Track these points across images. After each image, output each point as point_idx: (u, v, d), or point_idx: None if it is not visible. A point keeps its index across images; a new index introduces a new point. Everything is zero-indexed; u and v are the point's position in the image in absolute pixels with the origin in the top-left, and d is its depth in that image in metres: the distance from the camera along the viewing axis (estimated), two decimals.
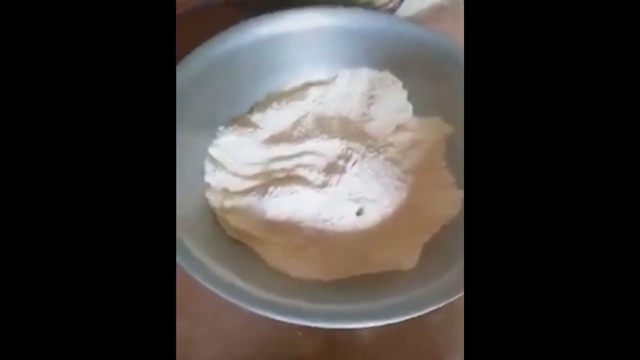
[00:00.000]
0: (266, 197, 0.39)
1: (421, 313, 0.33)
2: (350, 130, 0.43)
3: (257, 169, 0.41)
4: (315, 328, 0.34)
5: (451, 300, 0.34)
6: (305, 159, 0.40)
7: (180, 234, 0.34)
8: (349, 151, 0.41)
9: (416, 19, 0.52)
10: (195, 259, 0.34)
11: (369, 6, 0.49)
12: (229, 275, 0.34)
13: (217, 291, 0.33)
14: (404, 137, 0.44)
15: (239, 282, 0.34)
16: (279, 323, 0.33)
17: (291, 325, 0.34)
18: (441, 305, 0.34)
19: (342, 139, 0.41)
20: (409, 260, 0.38)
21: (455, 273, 0.35)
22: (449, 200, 0.41)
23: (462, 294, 0.34)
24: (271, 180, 0.40)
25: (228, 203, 0.39)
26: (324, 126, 0.43)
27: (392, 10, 0.50)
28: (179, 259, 0.33)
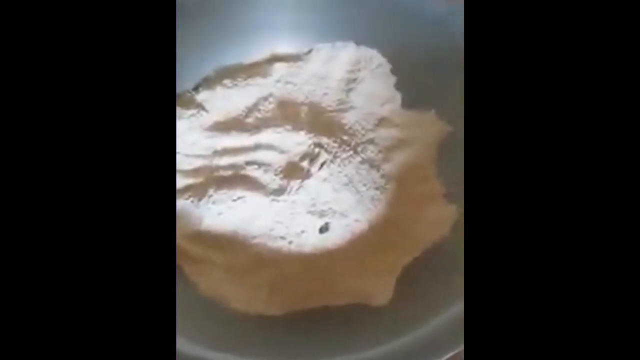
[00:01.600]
0: (203, 201, 0.31)
1: None
2: (322, 121, 0.35)
3: (197, 163, 0.32)
4: None
5: None
6: (260, 155, 0.32)
7: None
8: (317, 149, 0.32)
9: None
10: None
11: None
12: None
13: None
14: (387, 134, 0.36)
15: None
16: None
17: None
18: None
19: (309, 132, 0.33)
20: (381, 293, 0.31)
21: (445, 319, 0.27)
22: (436, 217, 0.33)
23: (455, 352, 0.26)
24: (213, 179, 0.31)
25: None
26: (288, 114, 0.34)
27: None
28: None
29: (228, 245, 0.31)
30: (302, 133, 0.33)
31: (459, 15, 0.33)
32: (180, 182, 0.32)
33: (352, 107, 0.36)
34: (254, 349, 0.27)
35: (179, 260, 0.30)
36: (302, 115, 0.35)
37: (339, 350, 0.27)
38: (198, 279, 0.30)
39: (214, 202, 0.31)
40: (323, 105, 0.35)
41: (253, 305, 0.30)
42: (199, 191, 0.31)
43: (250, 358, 0.26)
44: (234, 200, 0.31)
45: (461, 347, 0.26)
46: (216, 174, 0.32)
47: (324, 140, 0.33)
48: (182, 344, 0.26)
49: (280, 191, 0.31)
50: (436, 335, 0.27)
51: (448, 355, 0.26)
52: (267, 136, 0.33)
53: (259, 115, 0.34)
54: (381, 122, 0.36)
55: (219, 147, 0.33)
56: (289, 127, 0.33)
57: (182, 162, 0.32)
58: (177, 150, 0.32)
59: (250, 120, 0.34)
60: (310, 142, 0.33)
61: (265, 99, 0.34)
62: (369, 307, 0.30)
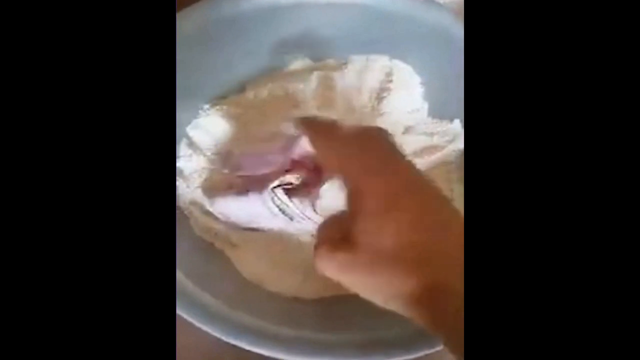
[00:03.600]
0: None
1: (422, 353, 0.28)
2: (356, 122, 0.37)
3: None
4: None
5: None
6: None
7: None
8: None
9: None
10: None
11: None
12: (187, 284, 0.29)
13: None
14: (413, 141, 0.38)
15: (198, 293, 0.29)
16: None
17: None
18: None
19: None
20: None
21: None
22: None
23: None
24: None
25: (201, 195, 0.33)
26: (326, 111, 0.37)
27: None
28: None
29: (262, 233, 0.33)
30: None
31: None
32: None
33: (381, 114, 0.39)
34: (285, 321, 0.30)
35: (222, 245, 0.33)
36: (338, 111, 0.37)
37: (361, 328, 0.30)
38: (239, 263, 0.33)
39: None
40: (356, 110, 0.38)
41: (288, 289, 0.32)
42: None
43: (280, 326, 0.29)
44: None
45: None
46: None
47: None
48: (222, 308, 0.29)
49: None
50: None
51: None
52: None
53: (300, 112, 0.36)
54: (408, 129, 0.39)
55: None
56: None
57: None
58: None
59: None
60: None
61: (305, 102, 0.37)
62: None
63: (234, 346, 0.28)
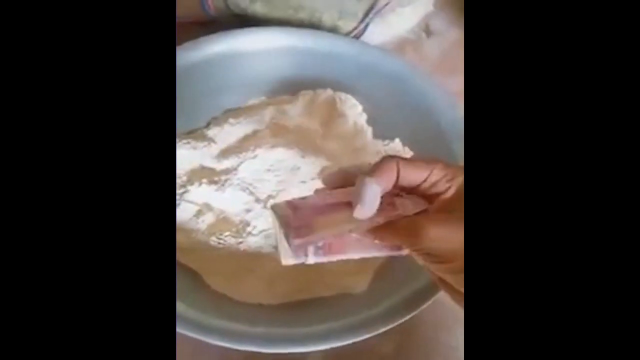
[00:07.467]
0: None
1: (366, 337, 0.32)
2: (307, 147, 0.43)
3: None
4: (262, 353, 0.32)
5: (397, 323, 0.33)
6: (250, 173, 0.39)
7: None
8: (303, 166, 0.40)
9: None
10: None
11: (334, 31, 0.49)
12: None
13: None
14: (363, 159, 0.44)
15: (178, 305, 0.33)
16: (224, 350, 0.31)
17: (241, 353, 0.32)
18: (388, 327, 0.33)
19: (299, 149, 0.40)
20: (360, 284, 0.37)
21: (401, 297, 0.34)
22: None
23: (408, 317, 0.33)
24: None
25: None
26: (279, 134, 0.42)
27: (356, 38, 0.51)
28: None
29: (229, 248, 0.37)
30: (292, 152, 0.40)
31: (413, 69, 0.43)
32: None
33: (331, 139, 0.44)
34: (253, 323, 0.33)
35: (193, 264, 0.36)
36: (291, 138, 0.42)
37: (321, 320, 0.34)
38: (204, 275, 0.36)
39: None
40: (307, 137, 0.43)
41: (253, 297, 0.36)
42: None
43: (249, 326, 0.33)
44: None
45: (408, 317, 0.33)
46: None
47: (311, 159, 0.41)
48: (198, 315, 0.32)
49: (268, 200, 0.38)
50: (394, 308, 0.34)
51: (400, 321, 0.33)
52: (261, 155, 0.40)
53: (256, 141, 0.41)
54: (357, 150, 0.44)
55: (222, 168, 0.39)
56: (281, 149, 0.40)
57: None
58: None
59: (246, 144, 0.41)
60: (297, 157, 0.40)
61: (261, 131, 0.42)
62: (349, 295, 0.37)
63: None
